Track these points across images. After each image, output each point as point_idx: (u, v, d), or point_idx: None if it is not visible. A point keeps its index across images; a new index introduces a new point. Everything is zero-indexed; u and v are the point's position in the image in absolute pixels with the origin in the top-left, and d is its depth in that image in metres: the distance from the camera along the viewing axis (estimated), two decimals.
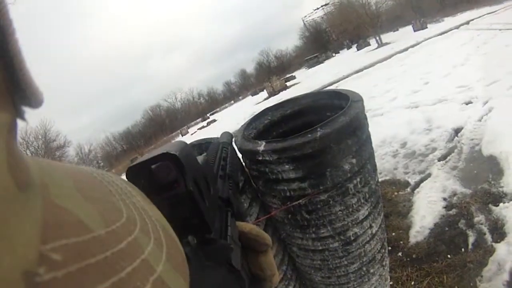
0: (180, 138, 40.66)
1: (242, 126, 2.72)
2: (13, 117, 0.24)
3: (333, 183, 2.02)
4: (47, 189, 0.26)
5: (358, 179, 2.10)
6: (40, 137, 42.73)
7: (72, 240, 0.23)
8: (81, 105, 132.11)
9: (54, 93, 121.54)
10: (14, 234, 0.20)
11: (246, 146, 2.23)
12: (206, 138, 2.80)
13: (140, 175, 0.45)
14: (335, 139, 1.98)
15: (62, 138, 45.51)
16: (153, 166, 0.45)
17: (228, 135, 1.07)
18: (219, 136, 1.10)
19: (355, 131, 2.08)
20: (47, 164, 0.30)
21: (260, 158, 2.06)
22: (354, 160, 2.06)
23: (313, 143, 1.93)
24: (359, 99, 2.23)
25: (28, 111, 0.27)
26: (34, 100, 0.26)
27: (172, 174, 0.45)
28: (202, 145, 3.18)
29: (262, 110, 2.93)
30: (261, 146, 2.07)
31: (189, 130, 45.87)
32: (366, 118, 2.23)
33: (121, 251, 0.26)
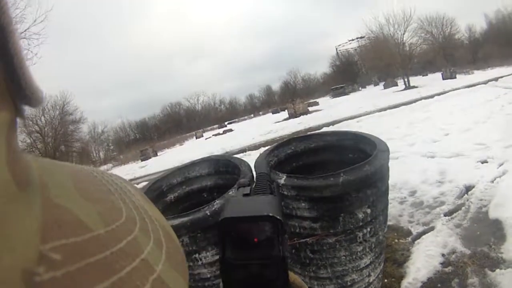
0: (194, 140, 40.52)
1: (265, 151, 2.74)
2: (13, 116, 0.25)
3: (344, 229, 2.04)
4: (47, 188, 0.27)
5: (369, 229, 2.12)
6: (58, 107, 42.66)
7: (71, 240, 0.23)
8: (105, 89, 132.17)
9: (83, 71, 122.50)
10: (13, 234, 0.20)
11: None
12: (226, 156, 2.82)
13: (234, 228, 0.46)
14: (356, 187, 2.00)
15: (79, 114, 45.49)
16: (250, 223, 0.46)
17: (265, 165, 0.98)
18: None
19: (377, 182, 2.10)
20: (47, 163, 0.32)
21: (279, 191, 2.02)
22: (368, 210, 2.08)
23: (334, 187, 1.95)
24: (386, 150, 2.25)
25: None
26: (34, 99, 0.27)
27: (268, 235, 0.46)
28: (220, 161, 3.22)
29: (288, 140, 2.96)
30: (282, 179, 2.09)
31: (204, 134, 45.60)
32: (389, 170, 2.25)
33: (120, 251, 0.26)
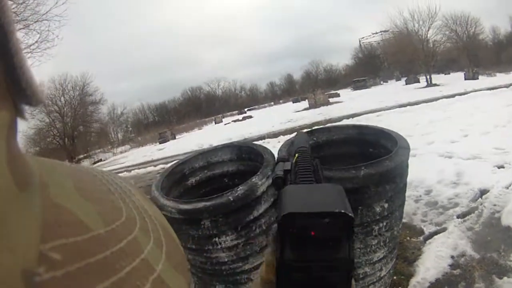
0: (213, 125, 40.44)
1: (287, 141, 2.77)
2: (14, 116, 0.25)
3: (361, 221, 2.10)
4: (47, 188, 0.27)
5: (385, 223, 2.18)
6: (78, 88, 43.16)
7: (71, 240, 0.23)
8: (127, 71, 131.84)
9: (105, 54, 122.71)
10: (13, 234, 0.20)
11: (288, 166, 2.30)
12: (249, 143, 2.85)
13: (298, 225, 0.40)
14: (375, 181, 2.07)
15: (99, 95, 45.93)
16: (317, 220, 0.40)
17: (306, 139, 0.86)
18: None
19: (395, 177, 2.17)
20: (47, 163, 0.32)
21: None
22: (386, 205, 2.14)
23: (355, 180, 2.02)
24: (406, 147, 2.31)
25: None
26: (34, 99, 0.26)
27: (337, 234, 0.41)
28: (242, 148, 3.27)
29: (310, 130, 2.99)
30: None
31: (223, 119, 45.33)
32: (408, 166, 2.31)
33: (120, 251, 0.26)
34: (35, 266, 0.20)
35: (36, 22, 17.61)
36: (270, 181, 2.45)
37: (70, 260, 0.22)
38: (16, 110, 0.26)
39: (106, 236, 0.26)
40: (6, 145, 0.23)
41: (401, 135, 2.56)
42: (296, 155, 0.71)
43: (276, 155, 2.69)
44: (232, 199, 2.28)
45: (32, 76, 0.25)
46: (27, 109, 0.28)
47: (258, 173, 2.45)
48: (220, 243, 2.38)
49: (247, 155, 3.23)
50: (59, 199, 0.26)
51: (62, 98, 41.08)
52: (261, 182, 2.38)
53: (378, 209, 2.14)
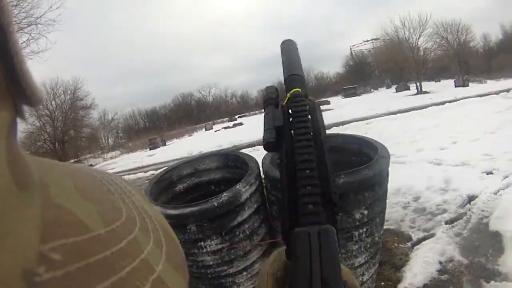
0: (203, 132, 40.42)
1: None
2: (14, 116, 0.25)
3: (341, 227, 2.13)
4: (47, 188, 0.26)
5: (365, 229, 2.21)
6: (69, 92, 43.02)
7: (71, 240, 0.23)
8: (118, 76, 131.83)
9: (97, 59, 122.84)
10: (13, 234, 0.20)
11: (272, 173, 2.37)
12: (235, 151, 2.87)
13: None
14: (354, 189, 2.11)
15: (90, 100, 45.81)
16: None
17: (297, 52, 0.80)
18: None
19: (375, 185, 2.20)
20: (47, 163, 0.32)
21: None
22: (366, 212, 2.17)
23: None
24: (386, 156, 2.35)
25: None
26: (34, 99, 0.26)
27: None
28: (229, 156, 3.30)
29: None
30: None
31: (213, 126, 45.41)
32: (388, 175, 2.34)
33: (120, 251, 0.26)
34: (35, 266, 0.20)
35: (30, 26, 17.63)
36: (254, 188, 2.54)
37: (70, 260, 0.22)
38: (16, 110, 0.26)
39: (106, 236, 0.26)
40: (6, 145, 0.23)
41: (383, 144, 2.62)
42: (287, 95, 0.67)
43: (261, 164, 2.74)
44: (216, 205, 2.34)
45: (32, 76, 0.26)
46: (26, 109, 0.28)
47: (242, 180, 2.52)
48: (205, 247, 2.44)
49: (233, 163, 3.30)
50: (59, 199, 0.26)
51: (53, 102, 40.84)
52: (244, 189, 2.45)
53: (358, 216, 2.19)
